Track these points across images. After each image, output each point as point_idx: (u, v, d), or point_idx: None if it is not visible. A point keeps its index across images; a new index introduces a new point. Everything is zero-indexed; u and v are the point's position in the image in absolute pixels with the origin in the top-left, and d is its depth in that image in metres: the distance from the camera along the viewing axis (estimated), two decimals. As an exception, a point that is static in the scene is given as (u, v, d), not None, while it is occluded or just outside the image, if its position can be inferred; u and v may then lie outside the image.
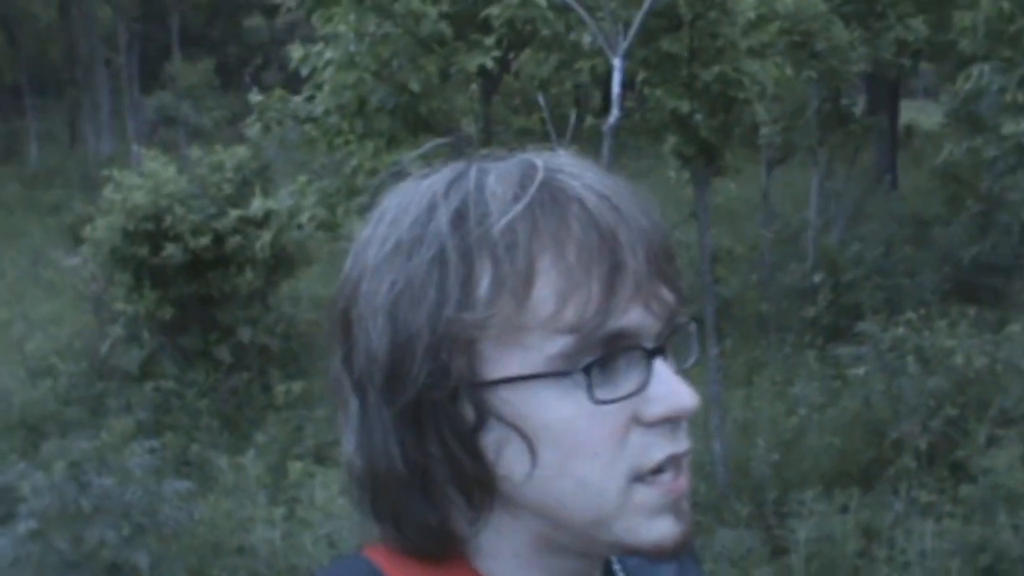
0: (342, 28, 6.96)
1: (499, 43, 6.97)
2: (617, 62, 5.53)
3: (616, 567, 1.13)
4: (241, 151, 11.96)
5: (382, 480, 0.99)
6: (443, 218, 0.95)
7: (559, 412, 0.94)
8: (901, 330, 9.19)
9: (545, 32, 7.39)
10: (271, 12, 35.47)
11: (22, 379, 11.85)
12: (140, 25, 36.02)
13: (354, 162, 6.82)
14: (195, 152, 12.28)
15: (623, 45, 5.58)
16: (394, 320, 0.95)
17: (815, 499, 7.19)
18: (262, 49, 37.63)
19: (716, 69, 7.51)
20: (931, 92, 31.37)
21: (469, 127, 6.96)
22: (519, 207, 0.94)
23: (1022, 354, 8.63)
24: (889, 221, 14.78)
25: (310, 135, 7.51)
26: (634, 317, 0.95)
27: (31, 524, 6.25)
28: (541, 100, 6.41)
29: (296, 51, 7.29)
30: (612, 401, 0.94)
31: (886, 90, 18.72)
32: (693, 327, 1.04)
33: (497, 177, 0.97)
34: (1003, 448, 7.37)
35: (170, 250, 10.94)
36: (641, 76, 7.85)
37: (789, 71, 8.55)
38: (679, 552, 0.99)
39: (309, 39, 7.85)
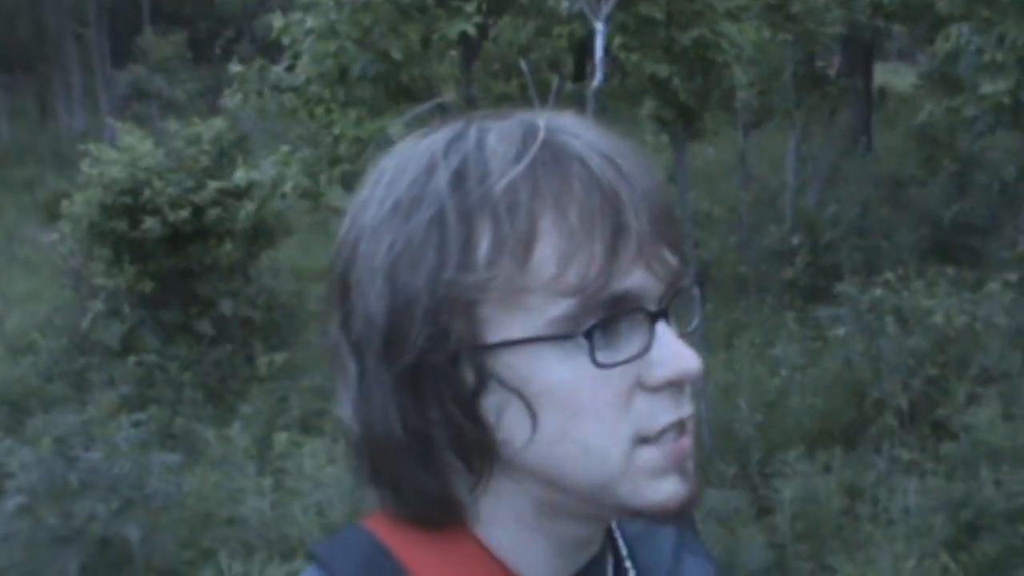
0: (321, -3, 6.95)
1: (479, 9, 6.97)
2: (599, 26, 5.53)
3: (616, 533, 1.13)
4: (218, 123, 11.91)
5: (381, 446, 0.98)
6: (442, 178, 0.94)
7: (561, 376, 0.93)
8: (880, 290, 9.23)
9: (524, -1, 7.40)
10: (242, -17, 35.25)
11: (2, 356, 11.83)
12: (110, -1, 35.70)
13: (336, 130, 6.81)
14: (172, 125, 12.21)
15: (605, 9, 5.57)
16: (393, 282, 0.94)
17: (798, 459, 7.25)
18: (234, 21, 37.34)
19: (694, 32, 7.50)
20: (904, 54, 31.41)
21: (450, 94, 6.95)
22: (521, 166, 0.93)
23: (1001, 312, 8.69)
24: (865, 182, 14.83)
25: (292, 104, 7.49)
26: (637, 279, 0.93)
27: (20, 500, 6.25)
28: (523, 66, 6.40)
29: (277, 21, 7.26)
30: (614, 365, 0.93)
31: (860, 52, 18.74)
32: (696, 290, 1.04)
33: (498, 136, 0.96)
34: (983, 405, 7.44)
35: (149, 224, 10.90)
36: (618, 41, 7.84)
37: (767, 33, 8.56)
38: (685, 513, 0.98)
39: (282, 9, 7.83)
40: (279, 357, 10.78)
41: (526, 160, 0.93)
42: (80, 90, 33.94)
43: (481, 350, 0.93)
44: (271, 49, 7.61)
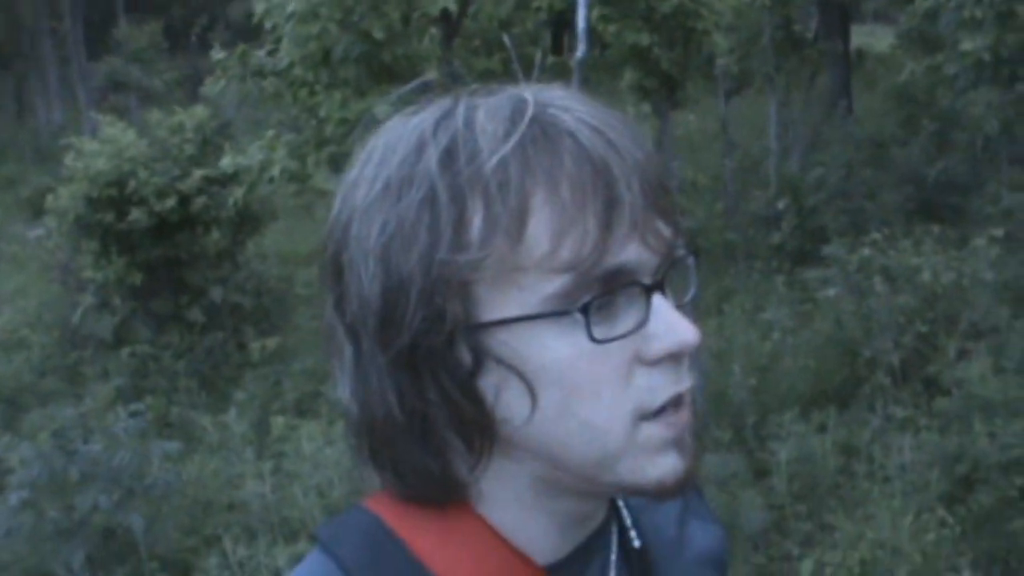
0: (300, -21, 6.94)
1: (460, -15, 6.98)
2: (581, -2, 5.55)
3: (620, 503, 1.12)
4: (200, 111, 11.89)
5: (379, 427, 0.97)
6: (432, 157, 0.93)
7: (558, 353, 0.92)
8: (867, 251, 9.26)
9: (502, -28, 7.39)
10: (214, -30, 35.08)
11: (-6, 353, 11.82)
12: (82, -10, 35.48)
13: (322, 113, 6.81)
14: (154, 115, 12.18)
15: (587, -20, 5.59)
16: (386, 264, 0.93)
17: (793, 421, 7.29)
18: (207, 7, 37.17)
19: (674, 1, 7.52)
20: (880, 15, 31.38)
21: (432, 72, 6.95)
22: (510, 144, 0.92)
23: (987, 268, 8.74)
24: (847, 145, 14.85)
25: (275, 89, 7.49)
26: (631, 253, 0.93)
27: (22, 495, 6.27)
28: (507, 40, 6.40)
29: (259, 5, 7.24)
30: (611, 340, 0.92)
31: (837, 15, 18.74)
32: (691, 260, 1.03)
33: (487, 113, 0.95)
34: (974, 360, 7.49)
35: (135, 214, 10.89)
36: (597, 12, 7.86)
37: (745, -1, 8.59)
38: (682, 489, 0.98)
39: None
40: (271, 342, 10.79)
41: (515, 137, 0.92)
42: (56, 84, 33.77)
43: (477, 329, 0.93)
44: (247, 34, 7.59)
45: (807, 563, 6.13)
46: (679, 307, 0.99)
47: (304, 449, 7.12)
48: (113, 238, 11.16)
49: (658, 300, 0.95)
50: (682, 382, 0.97)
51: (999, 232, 9.40)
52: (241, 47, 7.78)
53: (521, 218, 0.90)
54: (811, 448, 7.13)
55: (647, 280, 0.95)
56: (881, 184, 13.18)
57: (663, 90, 8.22)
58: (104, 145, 11.23)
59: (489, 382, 0.95)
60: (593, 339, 0.91)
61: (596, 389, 0.93)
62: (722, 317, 10.37)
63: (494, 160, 0.91)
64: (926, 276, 8.59)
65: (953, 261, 8.91)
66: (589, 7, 5.79)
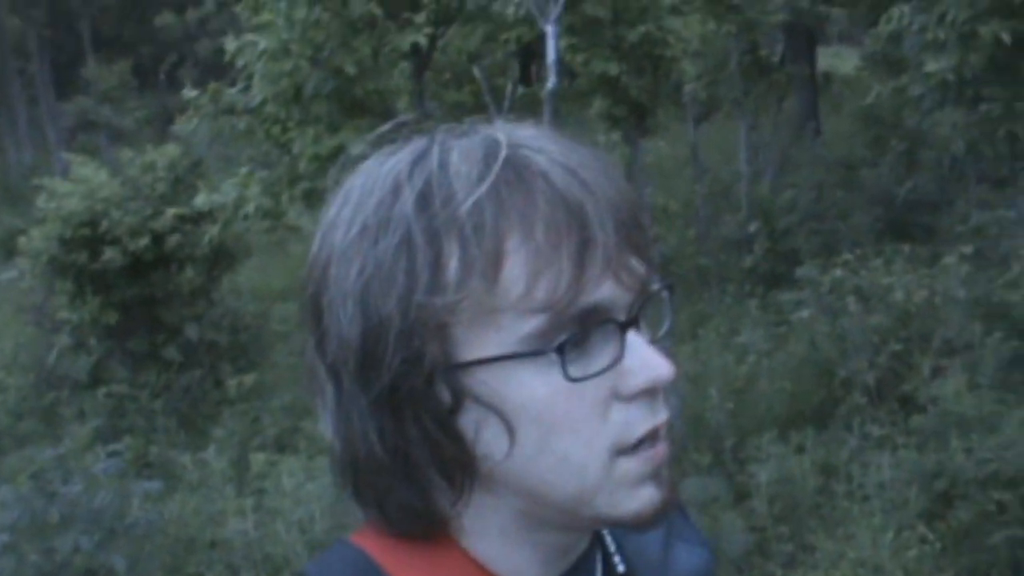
0: (269, 17, 6.96)
1: (429, 20, 7.01)
2: (550, 28, 5.59)
3: (604, 530, 1.13)
4: (172, 149, 11.89)
5: (362, 465, 0.98)
6: (408, 200, 0.94)
7: (535, 391, 0.94)
8: (839, 272, 9.32)
9: (471, 5, 7.43)
10: (181, 8, 35.11)
11: (-31, 397, 11.73)
12: (50, 32, 35.44)
13: (295, 149, 6.83)
14: (125, 154, 12.17)
15: (555, 11, 5.63)
16: (365, 306, 0.94)
17: (772, 442, 7.32)
18: (175, 46, 37.17)
19: (641, 29, 7.58)
20: (845, 37, 31.62)
21: (403, 105, 6.99)
22: (484, 187, 0.93)
23: (958, 285, 8.81)
24: (817, 167, 14.95)
25: (248, 126, 7.51)
26: (605, 291, 0.94)
27: (2, 538, 6.22)
28: (477, 72, 6.44)
29: (229, 43, 7.26)
30: (587, 378, 0.94)
31: (803, 38, 18.89)
32: (665, 294, 1.03)
33: (460, 155, 0.95)
34: (948, 377, 7.54)
35: (109, 254, 10.87)
36: (565, 42, 7.91)
37: (711, 25, 8.67)
38: (660, 520, 1.00)
39: (225, 31, 7.84)
40: (248, 378, 10.76)
41: (489, 179, 0.93)
42: (25, 124, 33.68)
43: (455, 369, 0.94)
44: (216, 71, 7.61)
45: (790, 584, 6.16)
46: (654, 341, 1.01)
47: (285, 485, 7.10)
48: (87, 278, 11.13)
49: (632, 336, 0.97)
50: (658, 415, 0.98)
51: (969, 249, 9.47)
52: (213, 85, 7.80)
53: (496, 260, 0.91)
54: (790, 469, 7.16)
55: (621, 317, 0.96)
56: (851, 205, 13.26)
57: (632, 118, 8.27)
58: (76, 185, 11.22)
59: (468, 420, 0.96)
60: (569, 378, 0.93)
61: (573, 426, 0.95)
62: (697, 341, 10.40)
63: (468, 203, 0.92)
64: (898, 295, 8.65)
65: (925, 279, 8.98)
66: (558, 38, 5.84)
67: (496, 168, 0.94)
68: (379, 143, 1.06)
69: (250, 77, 7.30)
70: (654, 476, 0.98)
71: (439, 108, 7.23)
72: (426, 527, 1.01)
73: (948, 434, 6.81)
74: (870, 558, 6.00)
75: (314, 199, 6.62)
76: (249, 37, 7.25)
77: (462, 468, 0.97)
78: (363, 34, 6.94)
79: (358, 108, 6.91)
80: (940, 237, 11.72)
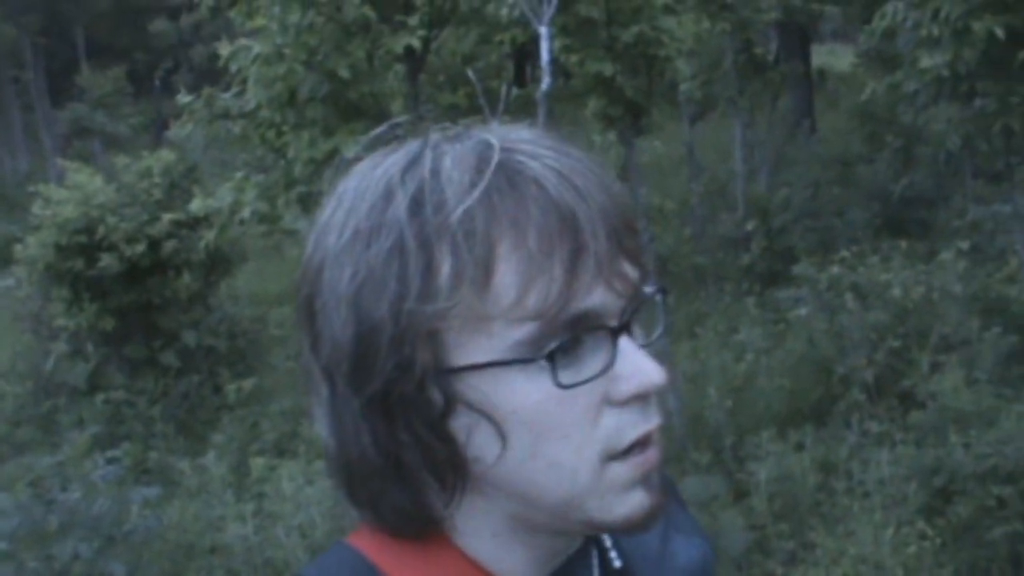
0: (263, 22, 6.97)
1: (422, 22, 7.01)
2: (544, 30, 5.59)
3: None
4: (167, 155, 11.89)
5: (355, 466, 0.99)
6: (401, 206, 0.93)
7: (526, 398, 0.94)
8: (836, 269, 9.34)
9: (465, 8, 7.43)
10: (175, 15, 35.11)
11: (-32, 405, 11.73)
12: (44, 39, 35.44)
13: (290, 153, 6.83)
14: (121, 160, 12.16)
15: (548, 12, 5.63)
16: (357, 311, 0.94)
17: (771, 440, 7.32)
18: (170, 52, 37.17)
19: (635, 29, 7.57)
20: (839, 35, 31.65)
21: (398, 108, 6.98)
22: (476, 193, 0.92)
23: (955, 280, 8.82)
24: (813, 164, 14.97)
25: (243, 131, 7.50)
26: (597, 298, 0.93)
27: (1, 546, 6.21)
28: (471, 74, 6.44)
29: (223, 48, 7.26)
30: (578, 384, 0.93)
31: (796, 36, 18.91)
32: (659, 297, 1.03)
33: (453, 161, 0.95)
34: (946, 373, 7.54)
35: (106, 260, 10.86)
36: (559, 43, 7.91)
37: (705, 25, 8.67)
38: (649, 525, 1.00)
39: (219, 37, 7.84)
40: (246, 383, 10.76)
41: (481, 186, 0.92)
42: (21, 132, 33.69)
43: (447, 374, 0.94)
44: (211, 77, 7.61)
45: (791, 582, 6.16)
46: (648, 345, 1.00)
47: (284, 489, 7.10)
48: (84, 285, 11.13)
49: (624, 342, 0.96)
50: (650, 421, 0.98)
51: (965, 245, 9.49)
52: (207, 90, 7.79)
53: (488, 267, 0.91)
54: (789, 467, 7.16)
55: (613, 323, 0.95)
56: (848, 202, 13.28)
57: (628, 118, 8.26)
58: (72, 192, 11.22)
59: (460, 424, 0.96)
60: (559, 385, 0.93)
61: (565, 431, 0.95)
62: (695, 340, 10.40)
63: (460, 210, 0.92)
64: (896, 291, 8.66)
65: (922, 275, 8.99)
66: (552, 39, 5.84)
67: (488, 174, 0.93)
68: (373, 145, 1.05)
69: (244, 82, 7.29)
70: (644, 481, 0.98)
71: (434, 111, 7.22)
72: (419, 527, 1.01)
73: (947, 430, 6.81)
74: (870, 555, 5.99)
75: (310, 203, 6.62)
76: (243, 42, 7.25)
77: (454, 471, 0.97)
78: (357, 37, 6.93)
79: (353, 111, 6.90)
80: (937, 233, 11.74)
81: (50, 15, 35.47)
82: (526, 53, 12.63)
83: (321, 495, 6.76)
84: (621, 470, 0.97)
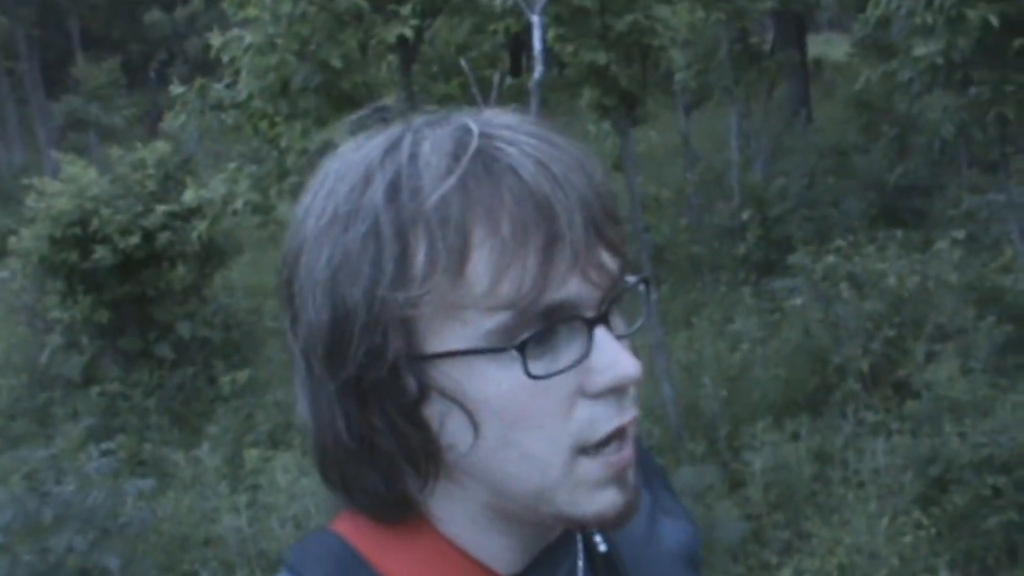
0: (255, 12, 6.95)
1: (415, 12, 6.99)
2: (536, 19, 5.57)
3: None
4: (161, 146, 11.88)
5: (330, 449, 0.99)
6: (378, 190, 0.93)
7: (499, 386, 0.93)
8: (832, 258, 9.33)
9: (458, -3, 7.42)
10: (170, 6, 35.05)
11: (-37, 398, 11.72)
12: (38, 30, 35.37)
13: (283, 144, 6.81)
14: (115, 152, 12.14)
15: (541, 1, 5.61)
16: (332, 295, 0.94)
17: (766, 430, 7.33)
18: (164, 43, 37.10)
19: (628, 18, 7.54)
20: (835, 24, 31.65)
21: (391, 98, 6.96)
22: (452, 180, 0.92)
23: (951, 270, 8.82)
24: (809, 153, 14.96)
25: (235, 121, 7.49)
26: (572, 288, 0.93)
27: (-3, 540, 6.21)
28: (464, 64, 6.42)
29: (214, 39, 7.24)
30: (549, 376, 0.93)
31: (792, 25, 18.90)
32: (643, 287, 1.02)
33: (431, 146, 0.94)
34: (942, 362, 7.55)
35: (100, 253, 10.84)
36: (553, 32, 7.89)
37: (700, 14, 8.64)
38: (622, 522, 0.99)
39: (216, 26, 7.81)
40: (241, 375, 10.74)
41: (457, 172, 0.92)
42: (15, 124, 33.63)
43: (421, 360, 0.94)
44: (206, 68, 7.59)
45: (786, 572, 6.16)
46: (628, 335, 1.00)
47: (279, 481, 7.10)
48: (78, 277, 11.11)
49: (601, 333, 0.95)
50: (624, 414, 0.97)
51: (961, 234, 9.48)
52: (199, 81, 7.77)
53: (461, 255, 0.91)
54: (785, 457, 7.16)
55: (590, 314, 0.95)
56: (844, 191, 13.28)
57: (622, 107, 8.23)
58: (66, 184, 11.20)
59: (434, 411, 0.96)
60: (530, 375, 0.92)
61: (537, 422, 0.94)
62: (691, 330, 10.41)
63: (435, 196, 0.91)
64: (891, 281, 8.66)
65: (917, 264, 8.99)
66: (545, 28, 5.82)
67: (465, 161, 0.93)
68: (357, 129, 1.05)
69: (236, 72, 7.28)
70: (617, 480, 0.97)
71: (427, 100, 7.20)
72: (393, 511, 1.01)
73: (942, 419, 6.82)
74: (866, 544, 6.00)
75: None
76: (235, 32, 7.23)
77: (427, 457, 0.97)
78: (349, 27, 6.91)
79: (345, 102, 6.88)
80: (932, 222, 11.74)
81: (44, 6, 35.40)
82: (522, 43, 12.60)
83: (315, 486, 6.74)
84: (592, 467, 0.96)
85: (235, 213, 7.26)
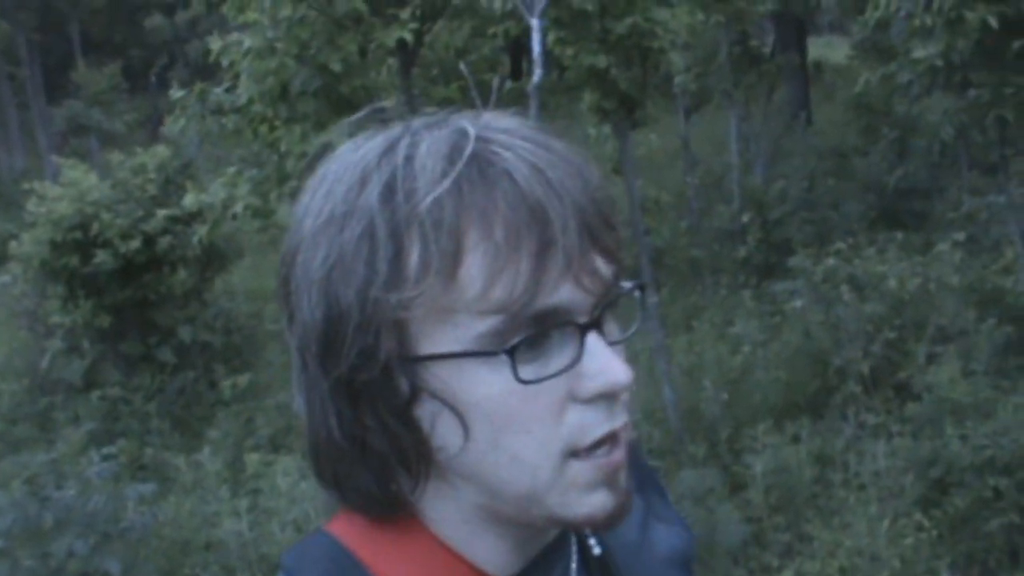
0: (254, 16, 6.95)
1: (414, 15, 6.99)
2: (535, 22, 5.57)
3: None
4: (162, 151, 11.89)
5: (323, 447, 0.99)
6: (374, 192, 0.93)
7: (489, 389, 0.93)
8: (832, 261, 9.34)
9: (457, 0, 7.40)
10: (171, 10, 35.06)
11: (-36, 403, 11.72)
12: (39, 35, 35.40)
13: (282, 148, 6.82)
14: (115, 156, 12.15)
15: (539, 5, 5.62)
16: (327, 295, 0.94)
17: (767, 432, 7.33)
18: (165, 48, 37.12)
19: (628, 21, 7.55)
20: (836, 27, 31.66)
21: (390, 102, 6.96)
22: (446, 183, 0.92)
23: (952, 272, 8.82)
24: (809, 156, 14.97)
25: (235, 125, 7.49)
26: (564, 294, 0.93)
27: (-3, 544, 6.21)
28: (464, 68, 6.42)
29: (215, 43, 7.25)
30: (539, 380, 0.93)
31: (792, 28, 18.91)
32: (638, 294, 1.02)
33: (427, 149, 0.94)
34: (943, 364, 7.55)
35: (101, 257, 10.85)
36: (553, 36, 7.89)
37: (700, 16, 8.65)
38: (613, 524, 1.00)
39: (210, 33, 7.82)
40: (242, 379, 10.74)
41: (452, 176, 0.92)
42: (17, 129, 33.65)
43: (412, 362, 0.94)
44: (207, 72, 7.59)
45: (787, 574, 6.16)
46: (621, 341, 1.00)
47: (280, 485, 7.10)
48: (79, 282, 11.11)
49: (592, 339, 0.95)
50: (615, 420, 0.97)
51: (961, 236, 9.49)
52: (199, 85, 7.77)
53: (454, 259, 0.91)
54: (786, 459, 7.16)
55: (582, 319, 0.95)
56: (844, 194, 13.28)
57: (622, 110, 8.24)
58: (66, 189, 11.21)
59: (425, 412, 0.96)
60: (519, 380, 0.92)
61: (526, 426, 0.94)
62: (692, 333, 10.41)
63: (429, 199, 0.91)
64: (892, 283, 8.66)
65: (918, 267, 8.99)
66: (544, 31, 5.82)
67: (460, 164, 0.93)
68: (357, 130, 1.05)
69: (236, 76, 7.28)
70: (607, 482, 0.98)
71: (427, 104, 7.20)
72: (385, 510, 1.02)
73: (943, 421, 6.81)
74: (867, 547, 6.00)
75: (303, 198, 6.59)
76: (235, 36, 7.23)
77: (418, 458, 0.98)
78: (349, 31, 6.91)
79: (345, 105, 6.87)
80: (932, 224, 11.74)
81: (45, 11, 35.42)
82: (522, 46, 12.61)
83: (316, 490, 6.70)
84: (583, 469, 0.96)
85: (235, 217, 7.26)
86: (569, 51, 7.81)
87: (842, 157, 15.14)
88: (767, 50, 17.82)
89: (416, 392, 0.95)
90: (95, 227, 10.88)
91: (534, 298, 0.91)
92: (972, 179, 12.60)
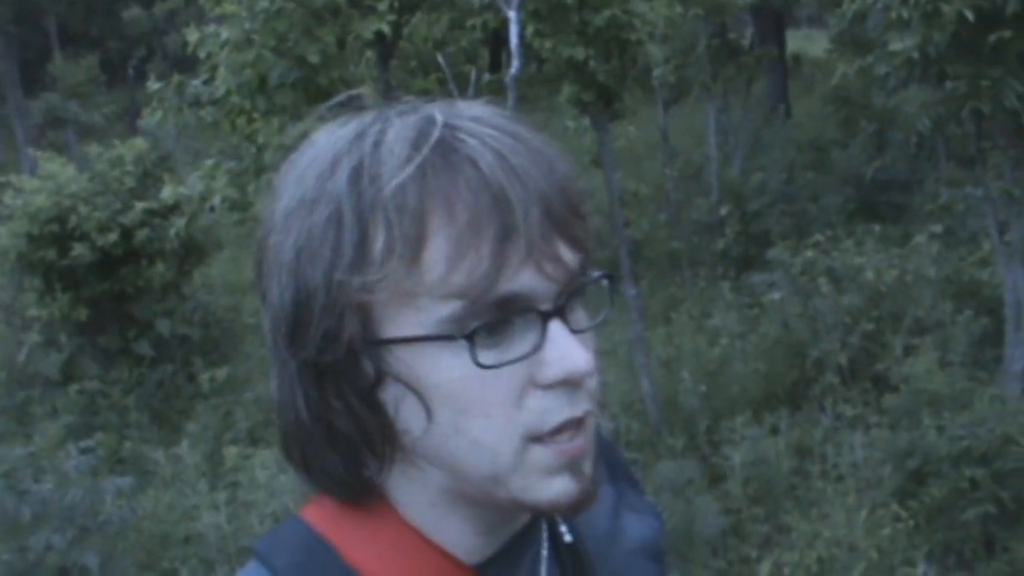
0: (232, 8, 6.93)
1: (392, 7, 6.98)
2: (513, 14, 5.57)
3: None
4: (139, 143, 11.82)
5: (291, 428, 1.01)
6: (342, 176, 0.95)
7: (450, 373, 0.95)
8: (810, 253, 9.38)
9: (436, -8, 7.40)
10: (149, 2, 34.88)
11: (-60, 397, 11.65)
12: (15, 28, 35.17)
13: (260, 140, 6.80)
14: (93, 149, 12.08)
15: (517, -3, 5.62)
16: (296, 277, 0.96)
17: (745, 424, 7.36)
18: (143, 40, 36.92)
19: (606, 13, 7.55)
20: (815, 20, 31.71)
21: (370, 95, 6.95)
22: (410, 169, 0.93)
23: (929, 264, 8.87)
24: (787, 149, 14.99)
25: (213, 118, 7.46)
26: (525, 280, 0.94)
27: (-27, 538, 6.18)
28: (441, 60, 6.42)
29: (192, 34, 7.22)
30: (498, 365, 0.94)
31: (771, 21, 18.93)
32: (606, 282, 1.04)
33: (395, 135, 0.96)
34: (920, 355, 7.59)
35: (78, 250, 10.79)
36: (531, 28, 7.89)
37: (678, 9, 8.65)
38: (578, 510, 1.00)
39: (188, 24, 7.78)
40: (220, 372, 10.71)
41: (416, 161, 0.94)
42: (-7, 123, 33.45)
43: (376, 345, 0.96)
44: (185, 65, 7.55)
45: (765, 565, 6.18)
46: (588, 329, 1.01)
47: (258, 478, 7.09)
48: (56, 275, 11.05)
49: (555, 327, 0.96)
50: (576, 407, 0.98)
51: (938, 228, 9.54)
52: (177, 77, 7.73)
53: (418, 243, 0.92)
54: (764, 451, 7.19)
55: (545, 306, 0.96)
56: (822, 186, 13.32)
57: (601, 103, 8.24)
58: (44, 182, 11.13)
59: (389, 395, 0.98)
60: (478, 364, 0.94)
61: (486, 410, 0.96)
62: (670, 325, 10.43)
63: (393, 184, 0.93)
64: (869, 275, 8.70)
65: (895, 259, 9.04)
66: (522, 23, 5.82)
67: (425, 150, 0.94)
68: (331, 117, 1.06)
69: (214, 68, 7.26)
70: (570, 468, 0.98)
71: (405, 96, 7.17)
72: (352, 493, 1.03)
73: (920, 412, 6.85)
74: (845, 537, 6.03)
75: (280, 190, 6.57)
76: (212, 28, 7.20)
77: (383, 440, 0.99)
78: (326, 23, 6.90)
79: (323, 97, 6.84)
80: (910, 217, 11.79)
81: (21, 4, 35.21)
82: (500, 39, 12.60)
83: (295, 483, 6.73)
84: (544, 454, 0.97)
85: (213, 210, 7.24)
86: (547, 43, 7.81)
87: (820, 150, 15.18)
88: (746, 43, 17.84)
89: (380, 375, 0.97)
90: (72, 220, 10.81)
91: (494, 284, 0.93)
92: (949, 171, 12.65)
